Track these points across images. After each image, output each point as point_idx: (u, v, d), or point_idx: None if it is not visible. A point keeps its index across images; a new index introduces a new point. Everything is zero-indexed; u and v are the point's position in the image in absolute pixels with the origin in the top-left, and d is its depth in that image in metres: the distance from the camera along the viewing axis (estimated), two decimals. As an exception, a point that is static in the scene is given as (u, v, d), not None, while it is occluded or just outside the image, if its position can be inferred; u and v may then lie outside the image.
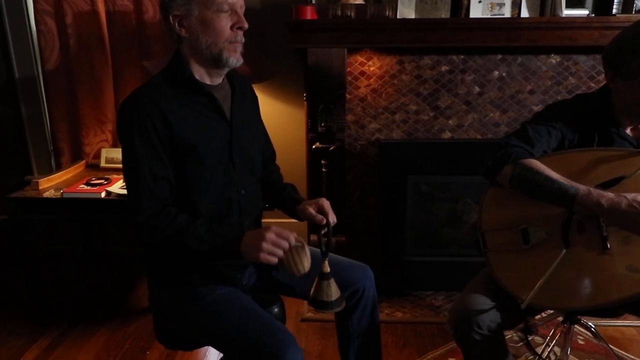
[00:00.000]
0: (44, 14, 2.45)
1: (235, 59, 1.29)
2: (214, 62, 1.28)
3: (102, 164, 2.51)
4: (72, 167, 2.48)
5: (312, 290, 1.29)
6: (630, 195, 1.17)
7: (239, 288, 1.35)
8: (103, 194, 2.13)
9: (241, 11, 1.28)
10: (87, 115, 2.57)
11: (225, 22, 1.25)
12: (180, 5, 1.24)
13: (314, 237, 2.25)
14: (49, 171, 2.68)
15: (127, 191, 1.28)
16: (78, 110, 2.57)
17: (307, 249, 1.22)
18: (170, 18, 1.26)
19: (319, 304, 1.28)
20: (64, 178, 2.38)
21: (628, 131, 1.38)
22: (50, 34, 2.48)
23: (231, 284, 1.34)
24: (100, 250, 2.86)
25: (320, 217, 1.35)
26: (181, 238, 1.22)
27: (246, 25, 1.28)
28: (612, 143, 1.36)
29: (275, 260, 1.18)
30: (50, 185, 2.27)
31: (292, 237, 1.20)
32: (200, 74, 1.31)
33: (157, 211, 1.23)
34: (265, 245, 1.17)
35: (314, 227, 1.38)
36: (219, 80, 1.36)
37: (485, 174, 1.39)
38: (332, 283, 1.28)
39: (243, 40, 1.30)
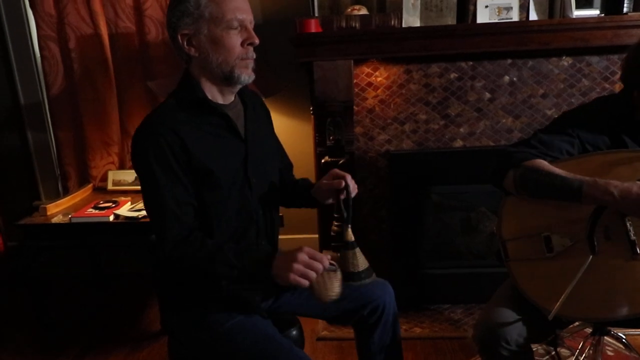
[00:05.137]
0: (47, 39, 2.45)
1: (247, 76, 1.25)
2: (226, 80, 1.25)
3: (110, 186, 2.49)
4: (79, 191, 2.46)
5: (337, 263, 1.19)
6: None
7: (257, 313, 1.30)
8: (111, 217, 2.10)
9: (251, 27, 1.25)
10: (93, 138, 2.56)
11: (235, 39, 1.22)
12: (189, 24, 1.20)
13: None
14: (56, 195, 2.66)
15: (152, 220, 1.23)
16: (84, 134, 2.56)
17: (339, 273, 1.14)
18: (179, 37, 1.22)
19: (345, 276, 1.17)
20: (71, 202, 2.36)
21: None
22: (54, 59, 2.48)
23: (250, 310, 1.29)
24: (109, 273, 2.82)
25: (337, 180, 1.27)
26: (210, 264, 1.17)
27: (257, 41, 1.24)
28: None
29: (306, 283, 1.10)
30: (58, 210, 2.25)
31: (326, 260, 1.13)
32: (212, 93, 1.28)
33: (184, 237, 1.19)
34: (296, 266, 1.09)
35: (331, 209, 1.28)
36: (231, 98, 1.32)
37: (492, 183, 1.35)
38: (358, 252, 1.19)
39: (254, 56, 1.26)
